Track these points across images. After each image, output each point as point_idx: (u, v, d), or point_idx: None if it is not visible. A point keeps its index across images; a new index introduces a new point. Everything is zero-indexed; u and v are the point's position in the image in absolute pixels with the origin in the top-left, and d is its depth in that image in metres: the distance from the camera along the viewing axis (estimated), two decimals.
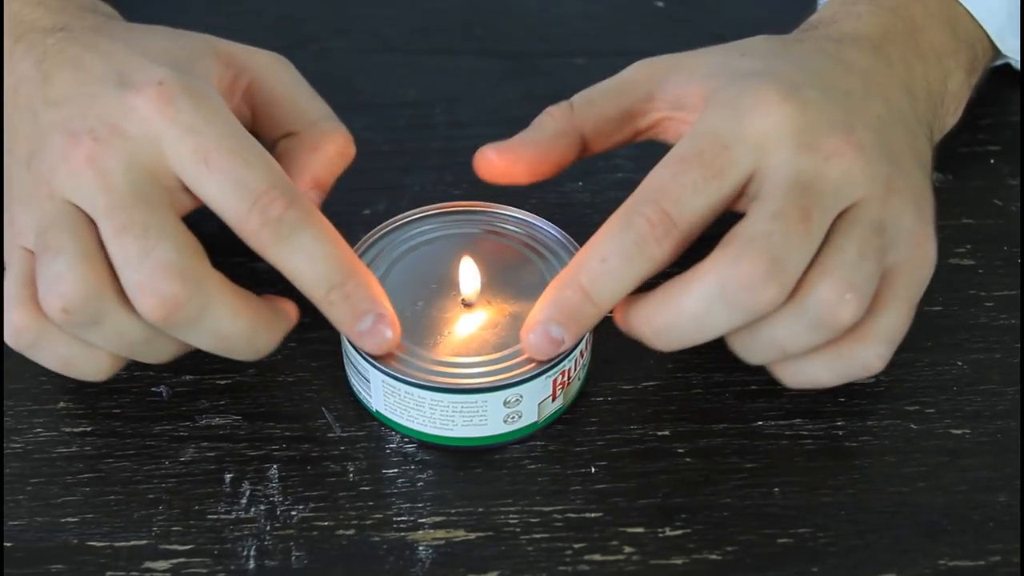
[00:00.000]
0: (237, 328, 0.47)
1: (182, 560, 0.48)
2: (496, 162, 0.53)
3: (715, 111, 0.49)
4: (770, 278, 0.45)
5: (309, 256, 0.47)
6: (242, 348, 0.48)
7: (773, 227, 0.46)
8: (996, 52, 0.60)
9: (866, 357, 0.48)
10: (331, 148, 0.53)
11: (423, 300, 0.52)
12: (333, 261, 0.47)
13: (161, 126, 0.47)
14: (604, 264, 0.47)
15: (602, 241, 0.48)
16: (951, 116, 0.57)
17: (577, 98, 0.55)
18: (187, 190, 0.48)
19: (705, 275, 0.46)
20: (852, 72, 0.51)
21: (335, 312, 0.48)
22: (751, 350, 0.48)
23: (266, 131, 0.55)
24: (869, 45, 0.53)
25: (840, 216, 0.48)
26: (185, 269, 0.46)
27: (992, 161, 0.62)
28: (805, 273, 0.46)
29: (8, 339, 0.48)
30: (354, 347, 0.50)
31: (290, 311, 0.50)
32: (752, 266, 0.45)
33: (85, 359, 0.49)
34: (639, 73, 0.55)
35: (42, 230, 0.47)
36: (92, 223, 0.47)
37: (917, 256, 0.49)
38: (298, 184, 0.52)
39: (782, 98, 0.48)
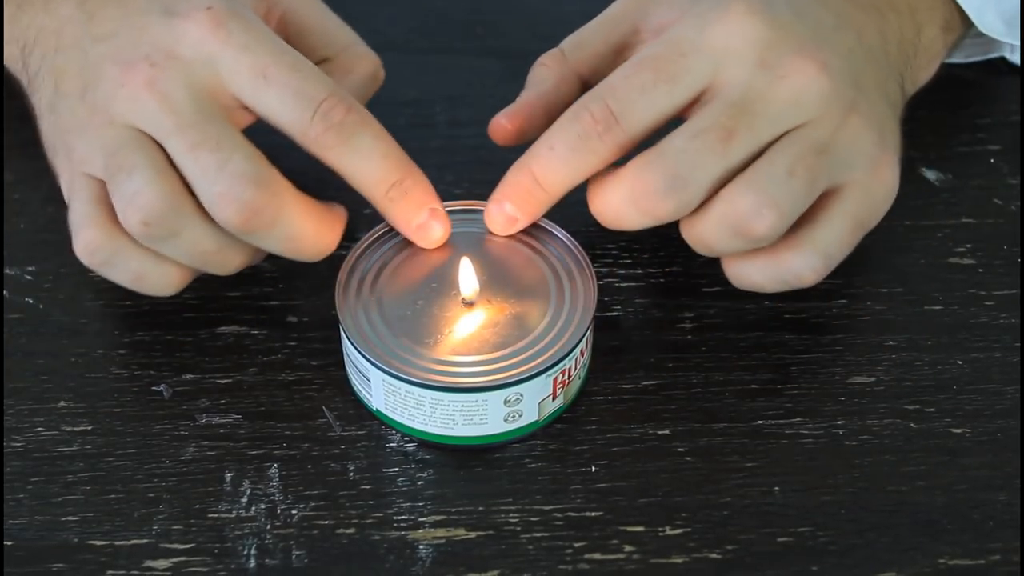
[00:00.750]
0: (308, 229, 0.50)
1: (182, 559, 0.48)
2: (510, 127, 0.54)
3: (683, 22, 0.51)
4: (668, 193, 0.48)
5: (370, 156, 0.50)
6: (310, 248, 0.51)
7: (688, 145, 0.48)
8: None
9: (798, 267, 0.50)
10: (363, 71, 0.57)
11: (423, 299, 0.52)
12: (392, 160, 0.51)
13: (215, 47, 0.49)
14: (551, 152, 0.50)
15: (552, 131, 0.50)
16: (923, 71, 0.57)
17: (566, 43, 0.56)
18: (243, 108, 0.50)
19: (619, 178, 0.49)
20: (828, 7, 0.52)
21: (395, 208, 0.51)
22: (690, 242, 0.51)
23: None
24: None
25: (785, 134, 0.49)
26: (260, 177, 0.49)
27: (992, 161, 0.62)
28: (730, 183, 0.48)
29: (82, 257, 0.50)
30: (354, 347, 0.50)
31: (341, 211, 0.53)
32: (653, 178, 0.48)
33: (157, 273, 0.51)
34: (624, 7, 0.55)
35: (110, 153, 0.49)
36: (158, 144, 0.49)
37: (873, 179, 0.50)
38: None
39: (750, 11, 0.49)
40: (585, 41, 0.56)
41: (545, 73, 0.55)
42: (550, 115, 0.53)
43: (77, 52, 0.51)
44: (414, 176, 0.51)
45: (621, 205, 0.49)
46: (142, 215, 0.48)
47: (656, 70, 0.49)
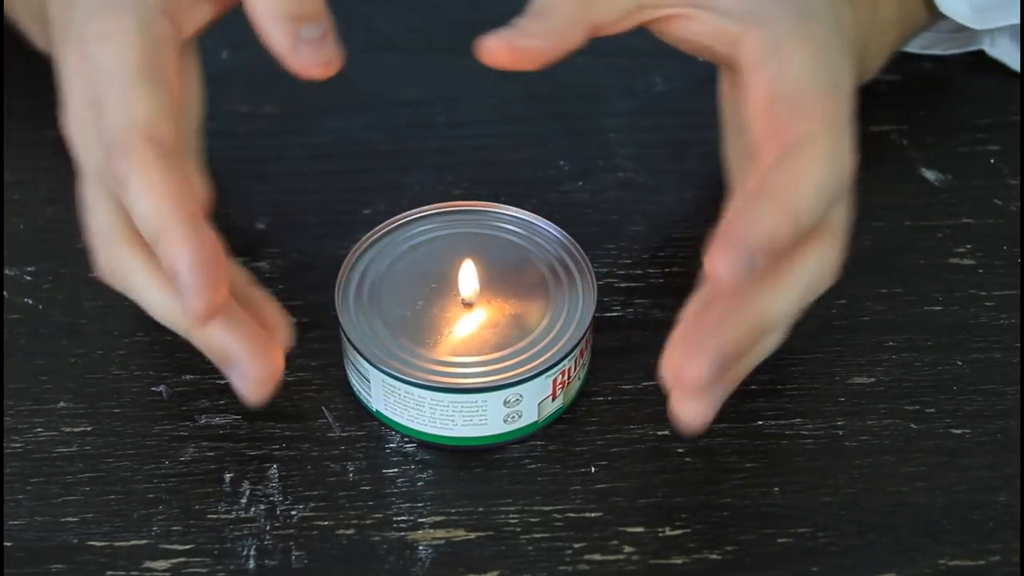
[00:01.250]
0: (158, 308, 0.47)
1: (182, 560, 0.48)
2: (501, 54, 0.50)
3: (818, 160, 0.46)
4: None
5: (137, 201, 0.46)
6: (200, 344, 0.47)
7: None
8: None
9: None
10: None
11: (423, 300, 0.52)
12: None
13: None
14: (819, 192, 0.44)
15: (816, 169, 0.45)
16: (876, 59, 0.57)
17: None
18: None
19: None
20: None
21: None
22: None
23: None
24: None
25: None
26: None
27: (992, 161, 0.62)
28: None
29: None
30: (354, 347, 0.50)
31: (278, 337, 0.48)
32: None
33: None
34: None
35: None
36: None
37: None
38: None
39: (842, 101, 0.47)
40: None
41: (560, 9, 0.49)
42: (544, 57, 0.49)
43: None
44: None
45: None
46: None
47: (780, 213, 0.44)
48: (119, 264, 0.48)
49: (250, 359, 0.46)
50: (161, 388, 0.53)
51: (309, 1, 0.48)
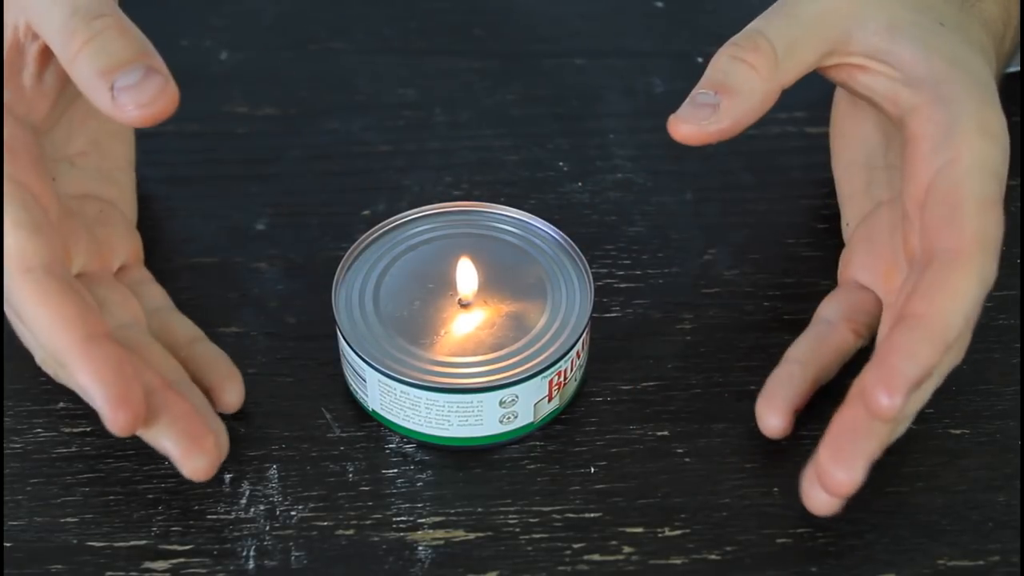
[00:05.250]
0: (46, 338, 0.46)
1: (181, 560, 0.48)
2: (693, 136, 0.47)
3: (990, 149, 0.47)
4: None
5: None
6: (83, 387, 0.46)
7: None
8: None
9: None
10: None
11: (420, 300, 0.52)
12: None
13: None
14: (967, 323, 0.46)
15: (963, 299, 0.46)
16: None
17: (779, 42, 0.48)
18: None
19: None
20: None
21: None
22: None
23: None
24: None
25: None
26: None
27: None
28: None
29: None
30: (350, 347, 0.50)
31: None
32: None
33: None
34: (838, 3, 0.49)
35: None
36: None
37: None
38: None
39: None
40: (797, 44, 0.48)
41: (755, 83, 0.47)
42: (740, 128, 0.48)
43: None
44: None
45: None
46: None
47: (935, 345, 0.45)
48: (50, 367, 0.49)
49: (184, 458, 0.47)
50: None
51: (121, 48, 0.46)
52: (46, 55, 0.48)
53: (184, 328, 0.52)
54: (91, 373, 0.45)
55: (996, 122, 0.48)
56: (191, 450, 0.46)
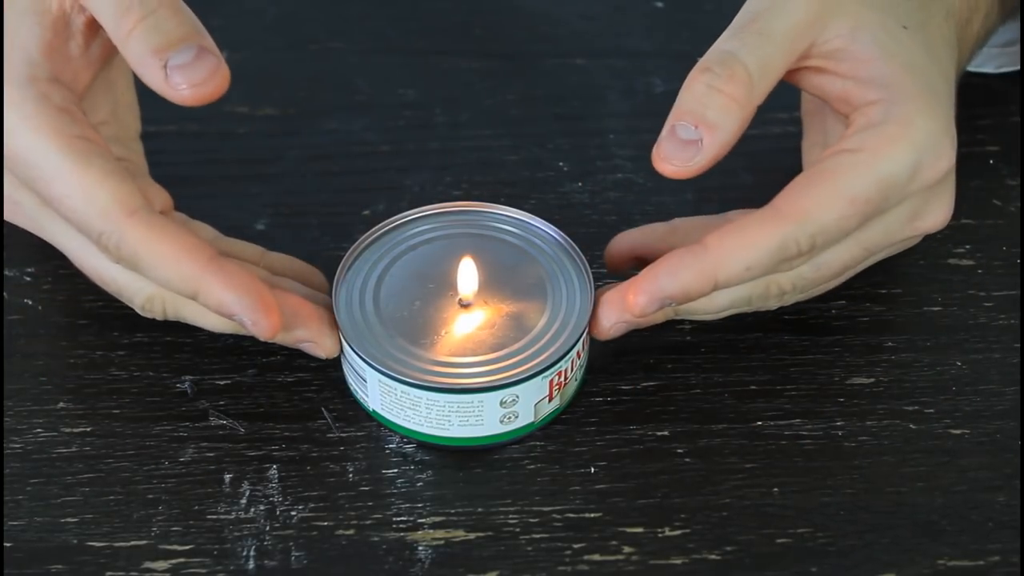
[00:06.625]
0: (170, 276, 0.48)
1: (181, 560, 0.48)
2: (675, 173, 0.48)
3: (899, 156, 0.47)
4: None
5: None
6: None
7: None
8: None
9: None
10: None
11: (420, 300, 0.52)
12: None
13: None
14: (747, 272, 0.47)
15: (752, 251, 0.47)
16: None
17: (753, 65, 0.48)
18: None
19: None
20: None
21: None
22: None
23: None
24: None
25: None
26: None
27: (992, 161, 0.62)
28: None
29: None
30: (350, 347, 0.50)
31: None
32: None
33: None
34: (805, 17, 0.49)
35: None
36: None
37: None
38: None
39: (952, 161, 0.49)
40: (770, 63, 0.48)
41: (735, 113, 0.47)
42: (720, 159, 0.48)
43: None
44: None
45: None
46: None
47: (864, 215, 0.47)
48: (158, 306, 0.50)
49: (320, 341, 0.50)
50: (186, 384, 0.53)
51: (175, 27, 0.46)
52: (92, 28, 0.49)
53: (247, 247, 0.54)
54: (232, 288, 0.46)
55: (926, 133, 0.48)
56: (322, 333, 0.50)
